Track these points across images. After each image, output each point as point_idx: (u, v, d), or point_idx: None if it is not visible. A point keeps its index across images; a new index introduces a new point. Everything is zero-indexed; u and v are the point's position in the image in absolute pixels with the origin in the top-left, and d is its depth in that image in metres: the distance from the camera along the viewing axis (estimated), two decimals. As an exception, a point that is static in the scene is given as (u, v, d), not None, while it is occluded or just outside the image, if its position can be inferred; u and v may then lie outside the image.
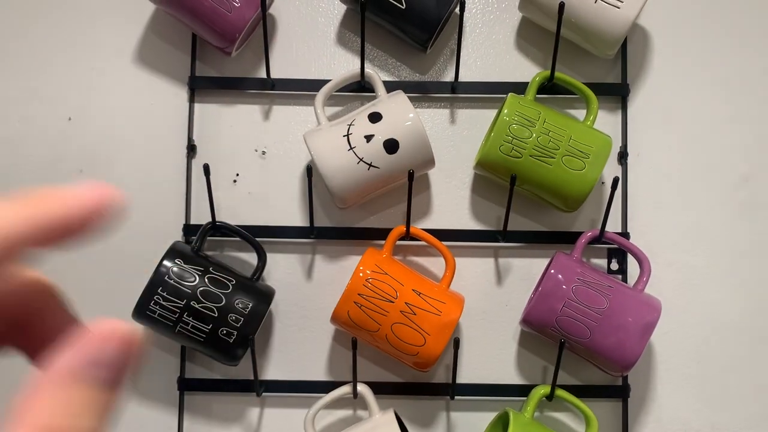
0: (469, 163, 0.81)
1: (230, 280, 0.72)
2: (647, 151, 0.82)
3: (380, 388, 0.77)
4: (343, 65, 0.82)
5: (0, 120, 0.82)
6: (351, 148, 0.72)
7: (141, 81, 0.82)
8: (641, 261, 0.75)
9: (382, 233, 0.79)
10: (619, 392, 0.79)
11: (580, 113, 0.81)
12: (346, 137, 0.72)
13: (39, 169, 0.81)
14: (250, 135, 0.82)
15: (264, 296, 0.74)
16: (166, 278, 0.70)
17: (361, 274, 0.72)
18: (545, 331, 0.73)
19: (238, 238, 0.79)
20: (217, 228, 0.77)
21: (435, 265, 0.81)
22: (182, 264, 0.71)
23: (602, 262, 0.81)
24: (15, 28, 0.82)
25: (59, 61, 0.82)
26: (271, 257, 0.78)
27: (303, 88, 0.81)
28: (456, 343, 0.72)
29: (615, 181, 0.73)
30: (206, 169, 0.72)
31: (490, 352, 0.80)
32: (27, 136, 0.82)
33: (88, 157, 0.81)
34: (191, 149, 0.81)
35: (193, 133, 0.81)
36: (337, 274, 0.80)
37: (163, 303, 0.69)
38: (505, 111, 0.73)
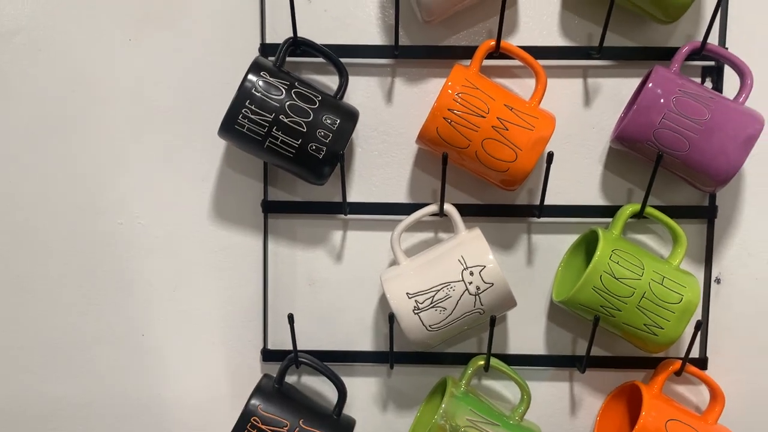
0: (559, -26, 0.76)
1: (316, 96, 0.70)
2: (750, -38, 0.76)
3: (463, 210, 0.76)
4: None
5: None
6: (441, -49, 0.67)
7: None
8: (743, 73, 0.71)
9: (468, 51, 0.75)
10: (706, 212, 0.78)
11: None
12: (435, -61, 0.67)
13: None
14: (325, -53, 0.77)
15: (350, 114, 0.72)
16: (253, 91, 0.68)
17: (450, 90, 0.69)
18: (640, 147, 0.71)
19: (314, 59, 0.77)
20: (297, 44, 0.74)
21: (521, 86, 0.78)
22: (268, 77, 0.69)
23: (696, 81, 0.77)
24: None
25: None
26: (350, 80, 0.76)
27: None
28: (550, 156, 0.70)
29: (726, -17, 0.68)
30: (289, -24, 0.68)
31: (575, 175, 0.79)
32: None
33: (155, -26, 0.78)
34: (264, -37, 0.76)
35: (265, -55, 0.76)
36: (418, 97, 0.78)
37: (252, 117, 0.68)
38: None
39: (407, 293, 0.70)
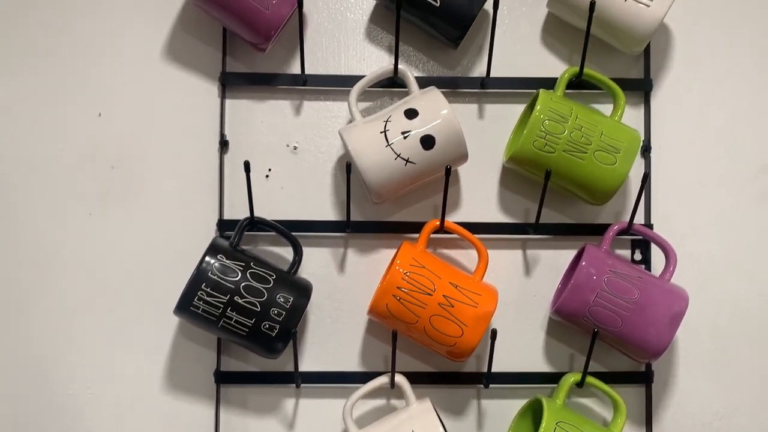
0: (497, 157, 0.83)
1: (271, 275, 0.73)
2: (668, 145, 0.84)
3: (413, 378, 0.78)
4: (373, 61, 0.83)
5: (31, 116, 0.81)
6: (389, 144, 0.73)
7: (172, 77, 0.82)
8: (668, 252, 0.78)
9: (415, 227, 0.80)
10: (643, 378, 0.82)
11: (602, 107, 0.83)
12: (383, 134, 0.73)
13: (70, 166, 0.81)
14: (282, 130, 0.82)
15: (304, 290, 0.75)
16: (209, 274, 0.71)
17: (399, 268, 0.73)
18: (577, 321, 0.75)
19: (271, 233, 0.80)
20: (254, 223, 0.77)
21: (464, 256, 0.82)
22: (224, 260, 0.72)
23: (626, 253, 0.83)
24: (45, 26, 0.82)
25: (88, 57, 0.82)
26: (304, 251, 0.80)
27: (335, 84, 0.82)
28: (494, 334, 0.74)
29: (645, 176, 0.75)
30: (246, 166, 0.73)
31: (519, 342, 0.82)
32: (57, 132, 0.81)
33: (119, 154, 0.82)
34: (223, 145, 0.81)
35: (225, 128, 0.82)
36: (369, 267, 0.82)
37: (207, 299, 0.70)
38: (538, 107, 0.74)
39: (359, 470, 0.71)
